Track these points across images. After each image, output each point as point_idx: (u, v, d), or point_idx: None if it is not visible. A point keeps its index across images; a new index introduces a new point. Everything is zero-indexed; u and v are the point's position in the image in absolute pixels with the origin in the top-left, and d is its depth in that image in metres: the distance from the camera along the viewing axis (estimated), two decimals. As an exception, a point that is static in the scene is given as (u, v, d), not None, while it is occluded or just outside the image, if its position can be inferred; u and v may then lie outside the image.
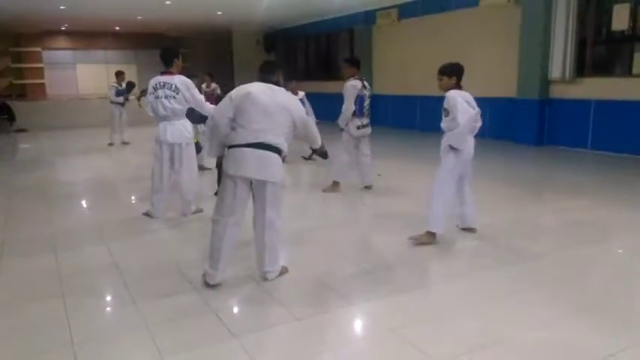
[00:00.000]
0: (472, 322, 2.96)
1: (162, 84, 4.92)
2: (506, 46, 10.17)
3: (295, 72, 17.57)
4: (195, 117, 5.24)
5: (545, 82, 9.55)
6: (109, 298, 3.49)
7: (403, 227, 4.68)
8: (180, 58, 5.06)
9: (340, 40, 15.45)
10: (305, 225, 5.03)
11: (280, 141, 3.32)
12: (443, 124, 4.34)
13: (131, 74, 15.51)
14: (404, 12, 12.63)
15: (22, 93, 17.32)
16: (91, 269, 3.92)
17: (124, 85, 11.02)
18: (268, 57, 18.39)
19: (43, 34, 17.77)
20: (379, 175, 7.47)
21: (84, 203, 6.32)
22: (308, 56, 17.51)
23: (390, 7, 12.87)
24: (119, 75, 11.15)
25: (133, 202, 6.31)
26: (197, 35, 18.75)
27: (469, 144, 4.31)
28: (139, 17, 14.82)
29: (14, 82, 17.54)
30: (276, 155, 3.31)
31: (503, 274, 3.66)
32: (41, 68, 18.07)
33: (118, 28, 17.61)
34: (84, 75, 18.77)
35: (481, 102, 11.37)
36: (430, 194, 4.28)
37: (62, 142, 12.10)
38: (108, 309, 3.37)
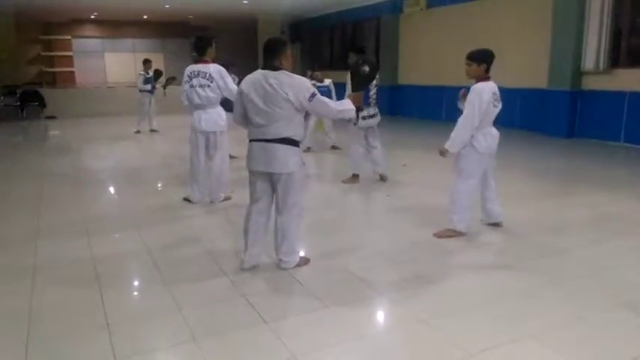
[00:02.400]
0: (502, 315, 2.92)
1: (196, 73, 4.95)
2: (537, 35, 9.94)
3: (321, 61, 17.54)
4: (230, 105, 5.26)
5: (578, 73, 9.31)
6: (141, 282, 3.55)
7: (428, 219, 4.64)
8: (214, 46, 5.07)
9: (366, 30, 15.32)
10: (331, 215, 5.03)
11: (285, 131, 3.25)
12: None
13: (158, 63, 15.65)
14: (432, 0, 12.44)
15: (52, 81, 17.67)
16: (123, 254, 3.99)
17: (151, 73, 11.15)
18: (292, 46, 18.39)
19: (73, 22, 18.07)
20: (404, 165, 7.44)
21: (114, 189, 6.42)
22: (333, 46, 17.41)
23: (418, -4, 12.70)
24: (146, 63, 11.27)
25: (163, 188, 6.39)
26: (223, 24, 18.81)
27: (490, 138, 4.17)
28: (167, 6, 14.92)
29: (45, 69, 17.90)
30: (284, 146, 3.26)
31: (532, 268, 3.61)
32: (71, 56, 18.40)
33: (145, 16, 17.78)
34: (112, 63, 19.04)
35: (511, 93, 11.27)
36: (454, 192, 4.15)
37: (91, 129, 12.31)
38: (141, 292, 3.43)
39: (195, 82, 4.94)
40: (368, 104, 5.83)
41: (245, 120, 3.40)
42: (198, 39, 5.11)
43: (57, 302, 3.13)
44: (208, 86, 4.93)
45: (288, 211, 3.43)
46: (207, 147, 5.13)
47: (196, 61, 5.03)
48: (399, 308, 3.08)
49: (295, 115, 3.27)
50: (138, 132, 11.13)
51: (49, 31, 18.03)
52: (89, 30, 18.89)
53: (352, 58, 5.86)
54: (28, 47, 17.46)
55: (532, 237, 4.25)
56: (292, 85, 3.20)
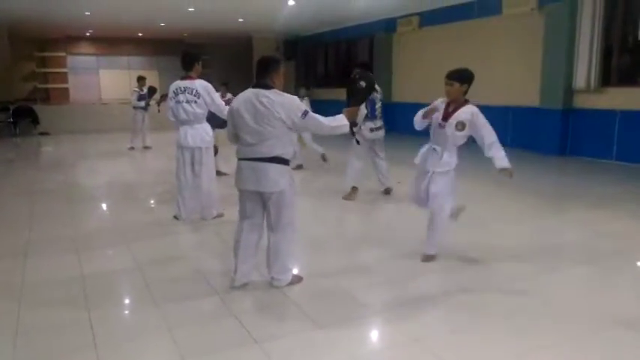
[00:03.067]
0: (496, 335, 2.89)
1: (182, 89, 4.95)
2: (529, 54, 10.05)
3: (315, 79, 17.64)
4: (218, 121, 5.25)
5: (569, 92, 9.40)
6: (131, 300, 3.50)
7: (422, 237, 4.61)
8: (201, 63, 5.09)
9: (360, 48, 15.45)
10: (325, 232, 5.00)
11: (276, 150, 3.23)
12: (452, 136, 4.03)
13: (153, 80, 15.67)
14: (425, 20, 12.59)
15: (45, 97, 17.63)
16: (113, 271, 3.94)
17: (145, 90, 11.16)
18: (287, 64, 18.52)
19: (68, 39, 18.10)
20: (399, 182, 7.43)
21: (105, 206, 6.37)
22: (327, 63, 17.54)
23: (411, 15, 12.84)
24: (141, 80, 11.31)
25: (155, 205, 6.35)
26: (218, 42, 18.92)
27: None
28: (162, 24, 15.01)
29: (39, 86, 17.87)
30: (274, 165, 3.24)
31: (524, 288, 3.58)
32: (65, 73, 18.39)
33: (140, 34, 17.85)
34: (106, 80, 19.05)
35: (503, 110, 11.34)
36: (438, 219, 4.01)
37: (84, 145, 12.26)
38: (130, 311, 3.37)
39: (181, 97, 4.93)
40: (374, 117, 6.03)
41: (235, 137, 3.40)
42: (185, 55, 5.12)
43: (44, 321, 3.06)
44: (195, 102, 4.93)
45: (282, 230, 3.40)
46: (192, 163, 5.09)
47: (182, 78, 5.03)
48: (393, 328, 3.03)
49: (286, 133, 3.25)
50: (132, 148, 11.11)
51: (44, 48, 18.05)
52: (84, 47, 18.93)
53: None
54: (23, 64, 17.44)
55: (524, 256, 4.23)
56: (284, 103, 3.19)
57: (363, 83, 3.69)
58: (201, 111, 4.99)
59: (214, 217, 5.26)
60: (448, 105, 4.02)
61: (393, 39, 13.84)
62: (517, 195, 6.55)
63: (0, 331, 2.92)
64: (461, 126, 3.95)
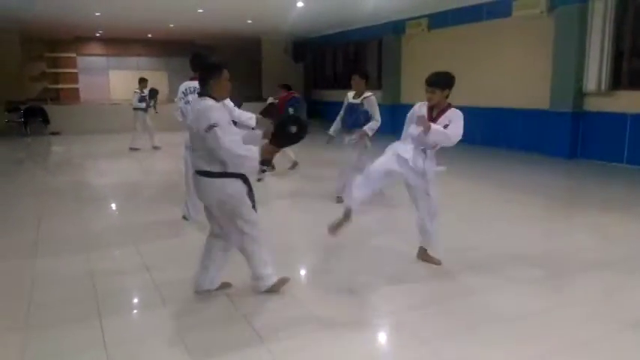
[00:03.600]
0: (509, 337, 2.87)
1: (192, 89, 4.95)
2: (538, 57, 10.00)
3: (324, 80, 17.64)
4: None
5: (580, 95, 9.33)
6: (140, 300, 3.51)
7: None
8: None
9: (368, 50, 15.45)
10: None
11: (203, 164, 3.10)
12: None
13: (162, 81, 15.80)
14: (434, 22, 12.56)
15: (56, 97, 17.77)
16: (122, 270, 3.96)
17: (146, 91, 11.14)
18: (296, 65, 18.53)
19: (78, 40, 18.25)
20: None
21: (115, 206, 6.40)
22: (336, 65, 17.56)
23: (420, 17, 12.82)
24: (142, 82, 11.27)
25: (163, 205, 6.36)
26: (226, 43, 18.98)
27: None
28: (172, 25, 15.09)
29: (49, 86, 18.02)
30: (209, 180, 3.10)
31: (536, 291, 3.56)
32: (75, 73, 18.54)
33: (150, 35, 17.96)
34: (116, 81, 19.17)
35: (512, 113, 11.28)
36: (432, 219, 3.96)
37: (94, 145, 12.34)
38: (139, 310, 3.38)
39: (191, 97, 4.93)
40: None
41: None
42: (194, 56, 5.10)
43: (55, 320, 3.08)
44: None
45: (235, 238, 3.29)
46: None
47: (192, 78, 5.03)
48: (400, 328, 3.03)
49: (204, 146, 3.05)
50: (134, 149, 11.00)
51: (55, 49, 18.20)
52: (94, 48, 19.07)
53: (355, 79, 5.84)
54: (33, 64, 17.61)
55: (533, 260, 4.21)
56: (198, 113, 3.06)
57: (294, 128, 3.24)
58: None
59: None
60: (431, 110, 3.92)
61: (401, 41, 13.83)
62: (526, 198, 6.52)
63: (10, 330, 2.94)
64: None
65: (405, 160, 3.81)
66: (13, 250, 4.42)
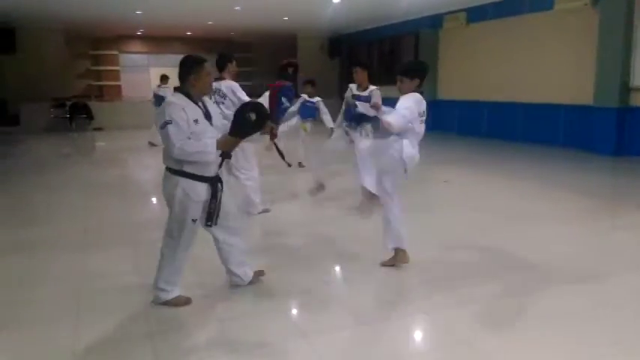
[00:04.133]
0: (547, 337, 2.83)
1: (215, 90, 5.03)
2: (582, 51, 9.70)
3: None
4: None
5: (626, 90, 9.01)
6: (183, 292, 3.60)
7: (463, 235, 4.56)
8: (234, 62, 5.12)
9: (404, 44, 15.29)
10: (365, 227, 5.00)
11: (165, 158, 3.07)
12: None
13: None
14: (473, 15, 12.34)
15: (99, 94, 18.34)
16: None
17: (163, 87, 11.10)
18: (331, 62, 18.54)
19: (120, 38, 18.77)
20: (446, 181, 7.36)
21: (156, 199, 6.57)
22: (371, 61, 17.44)
23: (458, 11, 12.63)
24: (164, 78, 11.31)
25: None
26: (263, 40, 19.17)
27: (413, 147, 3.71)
28: (210, 22, 15.33)
29: (93, 83, 18.62)
30: (166, 174, 3.09)
31: (575, 288, 3.49)
32: (117, 71, 19.08)
33: (189, 32, 18.30)
34: (157, 78, 19.53)
35: (554, 109, 11.02)
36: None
37: (135, 140, 12.67)
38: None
39: (214, 98, 4.99)
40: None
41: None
42: (219, 56, 5.13)
43: (103, 310, 3.21)
44: (222, 103, 4.99)
45: (162, 242, 3.22)
46: (228, 164, 5.15)
47: (216, 79, 5.10)
48: (440, 327, 3.02)
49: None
50: (153, 145, 10.85)
51: (98, 47, 18.78)
52: (135, 45, 19.57)
53: (357, 72, 5.64)
54: (78, 62, 18.22)
55: (576, 259, 4.11)
56: (160, 110, 3.01)
57: (252, 116, 3.10)
58: (228, 112, 4.90)
59: (260, 212, 5.35)
60: None
61: (439, 35, 13.65)
62: (569, 195, 6.37)
63: (62, 319, 3.09)
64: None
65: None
66: (62, 243, 4.62)
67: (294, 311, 3.24)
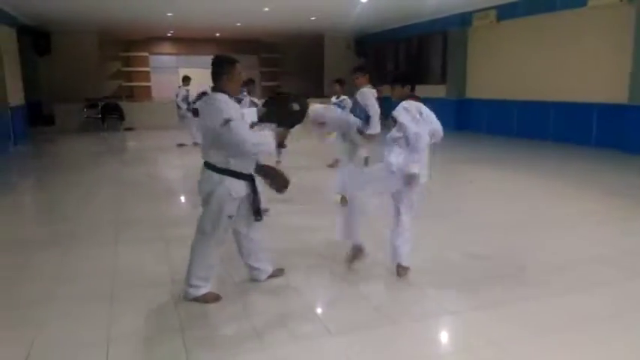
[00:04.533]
0: (581, 340, 2.77)
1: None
2: (616, 48, 9.44)
3: (385, 75, 17.48)
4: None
5: (663, 88, 8.75)
6: (214, 287, 3.64)
7: (489, 236, 4.50)
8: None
9: (432, 43, 15.16)
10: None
11: (212, 156, 3.11)
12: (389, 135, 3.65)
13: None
14: (503, 13, 12.14)
15: (130, 94, 18.73)
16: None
17: (184, 88, 11.18)
18: (358, 61, 18.52)
19: (150, 40, 19.12)
20: (471, 181, 7.28)
21: (184, 198, 6.69)
22: (398, 60, 17.37)
23: (488, 8, 12.44)
24: (186, 80, 11.33)
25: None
26: (290, 40, 19.26)
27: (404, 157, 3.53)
28: (238, 24, 15.49)
29: (124, 84, 19.02)
30: (208, 172, 3.12)
31: (608, 291, 3.41)
32: (148, 72, 19.44)
33: (218, 34, 18.53)
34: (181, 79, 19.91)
35: (587, 107, 10.76)
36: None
37: (165, 140, 12.88)
38: (219, 292, 3.49)
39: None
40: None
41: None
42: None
43: (135, 304, 3.29)
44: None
45: (194, 239, 3.28)
46: None
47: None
48: (468, 328, 2.99)
49: (213, 140, 3.06)
50: (182, 145, 11.05)
51: (129, 49, 19.18)
52: (165, 47, 19.91)
53: (334, 88, 5.52)
54: (110, 63, 18.66)
55: (608, 259, 4.01)
56: (211, 109, 3.05)
57: (296, 106, 3.35)
58: None
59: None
60: None
61: (468, 34, 13.48)
62: (602, 196, 6.22)
63: (96, 312, 3.18)
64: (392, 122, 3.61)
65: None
66: (95, 238, 4.74)
67: (320, 309, 3.25)
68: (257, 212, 3.25)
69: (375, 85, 5.50)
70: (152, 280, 3.69)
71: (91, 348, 2.73)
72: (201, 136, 3.30)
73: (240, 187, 3.15)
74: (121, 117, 15.02)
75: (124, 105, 15.41)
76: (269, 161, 3.77)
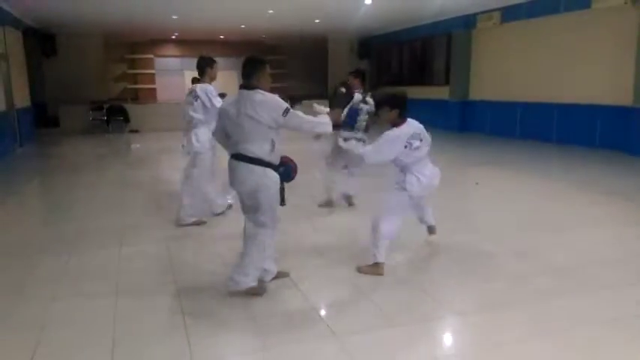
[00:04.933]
0: (583, 342, 2.78)
1: (190, 91, 5.11)
2: (620, 51, 9.42)
3: (390, 77, 17.51)
4: None
5: (667, 90, 8.72)
6: (217, 290, 3.66)
7: (495, 238, 4.50)
8: (215, 66, 5.13)
9: (436, 45, 15.15)
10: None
11: (255, 150, 3.20)
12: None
13: (233, 79, 16.28)
14: (507, 15, 12.13)
15: (135, 97, 18.80)
16: (200, 262, 4.17)
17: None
18: (361, 63, 18.55)
19: (155, 42, 19.20)
20: (477, 183, 7.28)
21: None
22: (402, 62, 17.37)
23: (492, 10, 12.43)
24: (195, 81, 11.42)
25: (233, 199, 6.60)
26: (294, 42, 19.30)
27: (425, 179, 3.75)
28: (243, 26, 15.54)
29: (129, 86, 19.10)
30: (250, 166, 3.21)
31: (611, 294, 3.41)
32: (153, 74, 19.51)
33: (222, 36, 18.59)
34: (190, 81, 19.96)
35: (590, 110, 10.74)
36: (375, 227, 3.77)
37: (169, 142, 12.93)
38: (217, 299, 3.46)
39: (187, 99, 5.06)
40: (352, 127, 5.34)
41: (224, 136, 3.44)
42: (199, 59, 5.15)
43: (138, 304, 3.31)
44: (192, 104, 5.01)
45: (249, 227, 3.36)
46: (189, 166, 5.23)
47: (193, 80, 5.12)
48: (472, 330, 3.00)
49: (263, 134, 3.19)
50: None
51: (134, 51, 19.25)
52: (170, 49, 19.98)
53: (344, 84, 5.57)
54: (115, 66, 18.73)
55: (609, 263, 4.01)
56: (264, 103, 3.16)
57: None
58: (196, 115, 5.03)
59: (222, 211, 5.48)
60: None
61: (472, 36, 13.48)
62: (604, 198, 6.20)
63: (101, 312, 3.21)
64: None
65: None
66: (99, 239, 4.77)
67: (324, 311, 3.26)
68: (282, 198, 3.37)
69: (369, 89, 5.56)
70: (156, 281, 3.71)
71: (95, 349, 2.75)
72: (232, 133, 3.31)
73: (277, 177, 3.28)
74: (126, 119, 15.09)
75: (129, 107, 15.47)
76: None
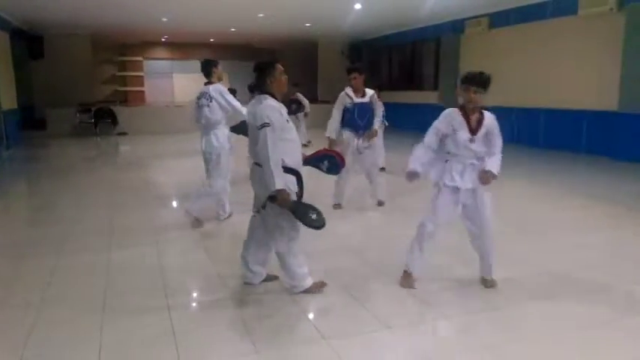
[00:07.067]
0: (570, 345, 2.81)
1: (202, 93, 5.13)
2: (607, 56, 9.56)
3: (380, 81, 17.58)
4: (243, 128, 5.24)
5: (652, 95, 8.85)
6: (207, 293, 3.65)
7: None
8: (219, 67, 5.20)
9: (425, 50, 15.27)
10: (392, 234, 5.01)
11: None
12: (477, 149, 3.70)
13: (223, 83, 16.28)
14: (495, 21, 12.27)
15: (124, 99, 18.71)
16: (189, 262, 4.16)
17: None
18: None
19: (145, 44, 19.13)
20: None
21: (176, 203, 6.67)
22: (392, 66, 17.47)
23: (480, 16, 12.56)
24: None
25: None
26: (284, 46, 19.33)
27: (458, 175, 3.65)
28: (233, 29, 15.55)
29: (118, 89, 19.00)
30: (259, 169, 3.21)
31: (600, 298, 3.45)
32: (142, 77, 19.44)
33: (212, 40, 18.58)
34: (180, 84, 19.93)
35: (576, 115, 10.83)
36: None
37: (158, 145, 12.90)
38: (207, 303, 3.50)
39: (202, 102, 5.09)
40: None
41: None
42: (203, 63, 5.23)
43: (128, 307, 3.29)
44: (208, 106, 5.05)
45: (271, 234, 3.42)
46: (207, 167, 5.28)
47: (205, 84, 5.16)
48: (464, 333, 3.02)
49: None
50: None
51: (123, 53, 19.17)
52: (159, 52, 19.93)
53: (356, 77, 5.73)
54: (104, 68, 18.65)
55: (599, 267, 4.06)
56: (256, 110, 3.19)
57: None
58: (213, 116, 5.07)
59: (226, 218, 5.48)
60: (467, 116, 3.68)
61: (460, 41, 13.59)
62: (592, 203, 6.28)
63: (89, 314, 3.18)
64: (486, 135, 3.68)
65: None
66: (88, 242, 4.73)
67: (316, 314, 3.26)
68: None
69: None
70: (145, 285, 3.69)
71: (83, 354, 2.73)
72: (251, 136, 3.31)
73: (294, 183, 3.28)
74: (114, 122, 14.99)
75: (118, 110, 15.37)
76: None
